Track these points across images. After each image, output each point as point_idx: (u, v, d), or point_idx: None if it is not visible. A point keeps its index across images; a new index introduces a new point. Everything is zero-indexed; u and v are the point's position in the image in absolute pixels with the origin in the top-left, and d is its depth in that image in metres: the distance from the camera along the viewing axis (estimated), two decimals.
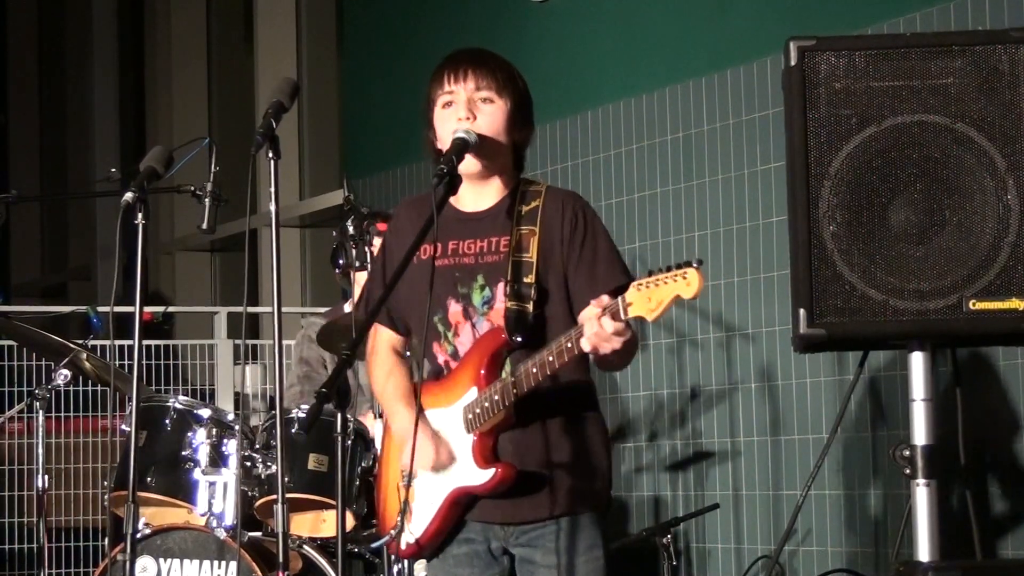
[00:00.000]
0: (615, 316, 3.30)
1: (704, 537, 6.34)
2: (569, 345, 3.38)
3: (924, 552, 4.15)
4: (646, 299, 3.27)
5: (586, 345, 3.34)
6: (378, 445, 4.72)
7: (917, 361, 4.20)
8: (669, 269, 3.27)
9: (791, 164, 4.16)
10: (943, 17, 5.42)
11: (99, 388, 7.04)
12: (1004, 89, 4.09)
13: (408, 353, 3.91)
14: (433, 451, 3.57)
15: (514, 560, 3.64)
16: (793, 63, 4.14)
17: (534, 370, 3.44)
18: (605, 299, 3.33)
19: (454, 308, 3.62)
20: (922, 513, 4.16)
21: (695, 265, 3.26)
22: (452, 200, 3.63)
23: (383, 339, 3.79)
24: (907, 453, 4.19)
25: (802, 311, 4.09)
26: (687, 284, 3.25)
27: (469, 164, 3.57)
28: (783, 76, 4.21)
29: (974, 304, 4.05)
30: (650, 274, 3.29)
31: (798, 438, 5.97)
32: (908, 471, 4.19)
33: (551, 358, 3.41)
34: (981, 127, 4.08)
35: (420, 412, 3.56)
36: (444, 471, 3.59)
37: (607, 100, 6.88)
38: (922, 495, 4.17)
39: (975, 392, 5.07)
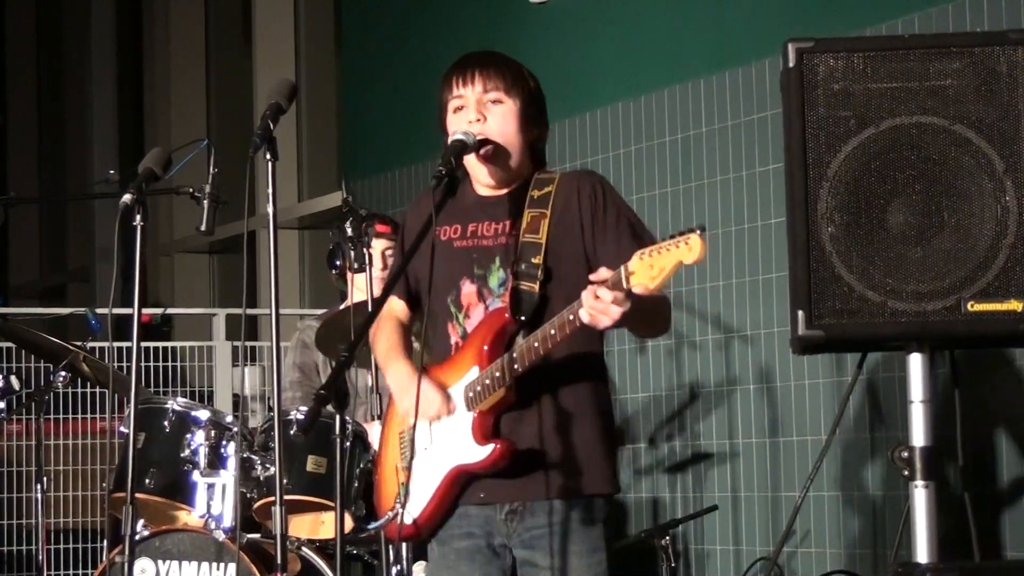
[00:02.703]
0: (616, 285, 3.28)
1: (703, 539, 6.34)
2: (571, 318, 3.36)
3: (923, 553, 4.15)
4: (648, 267, 3.23)
5: (584, 316, 3.32)
6: (375, 439, 4.72)
7: (915, 363, 4.20)
8: (672, 237, 3.25)
9: (789, 166, 4.17)
10: (941, 19, 5.42)
11: (98, 390, 7.05)
12: (1002, 91, 4.09)
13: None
14: (440, 397, 3.55)
15: (515, 561, 3.63)
16: (791, 64, 4.14)
17: (535, 344, 3.43)
18: (604, 271, 3.32)
19: (467, 289, 3.63)
20: (921, 514, 4.16)
21: (698, 231, 3.22)
22: (473, 185, 3.68)
23: (390, 309, 3.77)
24: (906, 455, 4.19)
25: (800, 313, 4.10)
26: (689, 250, 3.19)
27: (484, 176, 3.62)
28: (782, 77, 4.22)
29: (972, 305, 4.06)
30: (653, 242, 3.28)
31: (797, 439, 5.97)
32: (907, 472, 4.19)
33: (553, 331, 3.40)
34: (979, 129, 4.08)
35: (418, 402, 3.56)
36: (448, 438, 3.57)
37: (605, 102, 6.88)
38: (920, 496, 4.17)
39: (973, 393, 5.07)
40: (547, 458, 3.55)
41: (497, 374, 3.49)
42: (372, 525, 4.64)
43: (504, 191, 3.67)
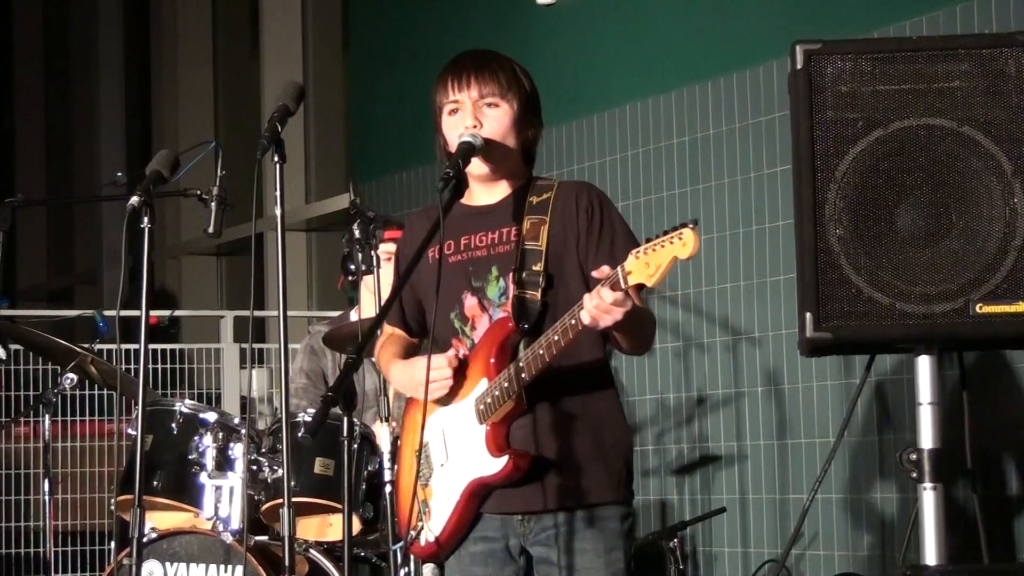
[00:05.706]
0: (615, 286, 3.29)
1: (711, 541, 6.34)
2: (573, 322, 3.37)
3: (931, 556, 4.14)
4: (644, 265, 3.26)
5: (585, 318, 3.33)
6: (385, 448, 4.72)
7: (924, 365, 4.19)
8: (665, 233, 3.27)
9: (797, 168, 4.16)
10: (949, 20, 5.41)
11: (105, 392, 7.05)
12: (1011, 92, 4.08)
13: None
14: (441, 360, 3.53)
15: (531, 560, 3.63)
16: (799, 67, 4.14)
17: (540, 351, 3.43)
18: (606, 269, 3.33)
19: (470, 302, 3.62)
20: (929, 517, 4.15)
21: (690, 225, 3.25)
22: (463, 199, 3.66)
23: (394, 334, 3.80)
24: (914, 457, 4.19)
25: (808, 315, 4.09)
26: (683, 245, 3.24)
27: (478, 167, 3.59)
28: (789, 80, 4.21)
29: (981, 307, 4.05)
30: (647, 241, 3.29)
31: (804, 442, 5.96)
32: (915, 475, 4.18)
33: (556, 337, 3.40)
34: (987, 130, 4.07)
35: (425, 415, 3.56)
36: (463, 452, 3.56)
37: (613, 104, 6.88)
38: (929, 499, 4.16)
39: (982, 395, 5.06)
40: (560, 466, 3.55)
41: (505, 384, 3.49)
42: (394, 546, 4.64)
43: (496, 200, 3.67)
